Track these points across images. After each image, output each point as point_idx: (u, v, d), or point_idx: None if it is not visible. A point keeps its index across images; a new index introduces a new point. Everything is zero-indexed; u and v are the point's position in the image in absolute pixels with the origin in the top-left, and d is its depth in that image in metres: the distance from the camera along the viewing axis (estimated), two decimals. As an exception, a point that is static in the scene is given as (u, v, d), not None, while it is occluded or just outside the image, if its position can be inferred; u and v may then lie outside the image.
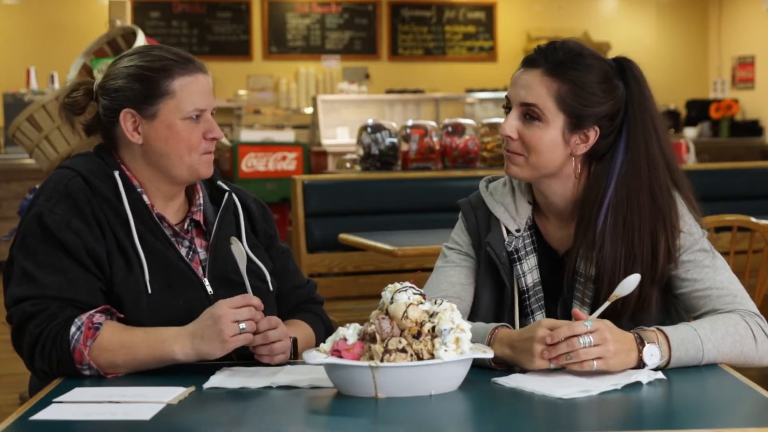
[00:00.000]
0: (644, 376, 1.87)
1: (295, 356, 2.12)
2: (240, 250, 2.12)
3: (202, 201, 2.28)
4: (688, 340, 1.97)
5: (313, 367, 1.94)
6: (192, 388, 1.89)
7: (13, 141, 4.04)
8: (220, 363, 2.08)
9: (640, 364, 1.92)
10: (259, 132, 8.90)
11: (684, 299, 2.12)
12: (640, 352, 1.92)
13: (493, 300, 2.22)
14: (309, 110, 10.21)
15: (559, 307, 2.19)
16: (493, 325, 2.04)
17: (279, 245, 2.39)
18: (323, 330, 2.34)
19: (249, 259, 2.26)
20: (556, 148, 2.11)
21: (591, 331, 1.87)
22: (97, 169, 2.19)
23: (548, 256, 2.22)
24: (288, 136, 8.68)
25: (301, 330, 2.28)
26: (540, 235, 2.23)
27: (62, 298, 2.07)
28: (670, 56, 12.38)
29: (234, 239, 2.14)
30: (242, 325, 1.99)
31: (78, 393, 1.90)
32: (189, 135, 2.17)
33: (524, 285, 2.19)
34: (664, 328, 1.97)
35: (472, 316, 2.21)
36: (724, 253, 2.20)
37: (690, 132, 11.37)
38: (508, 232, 2.21)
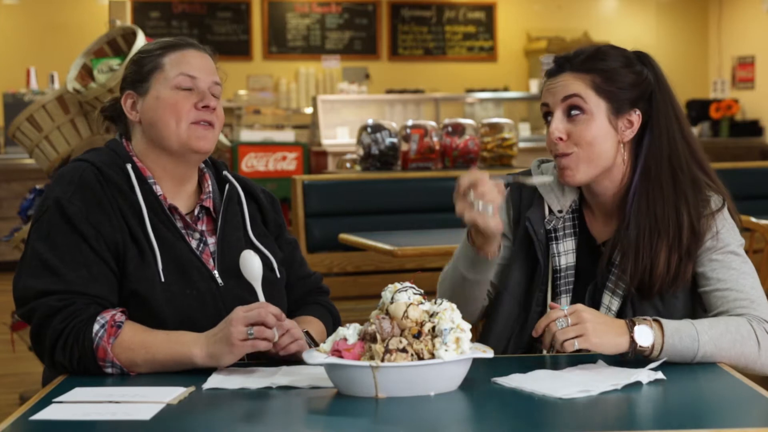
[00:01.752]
0: (644, 376, 1.88)
1: (315, 344, 2.12)
2: (256, 265, 2.10)
3: (211, 189, 2.29)
4: (683, 329, 1.99)
5: (313, 367, 1.94)
6: (192, 388, 1.89)
7: (13, 141, 4.04)
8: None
9: (634, 346, 1.95)
10: (259, 132, 8.91)
11: (705, 297, 2.15)
12: (631, 332, 1.94)
13: (524, 276, 2.26)
14: (309, 110, 10.20)
15: (587, 294, 2.21)
16: None
17: (287, 236, 2.40)
18: (332, 323, 2.35)
19: (257, 249, 2.25)
20: (607, 136, 2.15)
21: (568, 314, 1.93)
22: (110, 161, 2.21)
23: (587, 243, 2.25)
24: (288, 136, 8.69)
25: (314, 326, 2.27)
26: (583, 222, 2.25)
27: (88, 295, 2.07)
28: (670, 56, 12.37)
29: (250, 252, 2.12)
30: (250, 331, 1.99)
31: (78, 393, 1.90)
32: (175, 102, 2.20)
33: (557, 265, 2.22)
34: (659, 318, 2.00)
35: (502, 292, 2.24)
36: (724, 253, 2.21)
37: (690, 132, 11.36)
38: (551, 211, 2.23)
